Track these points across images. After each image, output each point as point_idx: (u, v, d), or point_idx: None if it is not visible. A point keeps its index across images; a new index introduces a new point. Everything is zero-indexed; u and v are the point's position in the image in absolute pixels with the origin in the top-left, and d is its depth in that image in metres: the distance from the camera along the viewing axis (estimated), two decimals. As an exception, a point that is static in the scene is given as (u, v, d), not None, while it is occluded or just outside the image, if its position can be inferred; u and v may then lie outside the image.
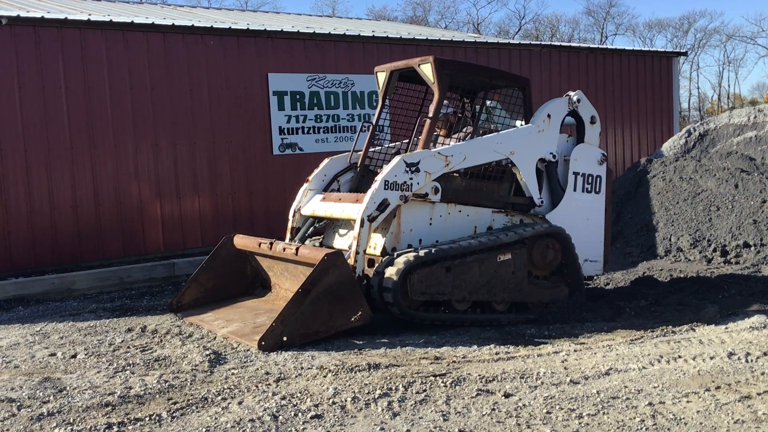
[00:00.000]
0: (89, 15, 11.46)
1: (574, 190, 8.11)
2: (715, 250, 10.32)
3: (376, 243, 7.24)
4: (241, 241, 8.04)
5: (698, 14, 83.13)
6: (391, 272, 6.67)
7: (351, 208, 7.38)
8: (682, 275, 9.43)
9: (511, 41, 17.47)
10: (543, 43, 17.51)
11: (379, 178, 7.13)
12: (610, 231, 8.64)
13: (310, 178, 8.28)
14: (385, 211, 7.06)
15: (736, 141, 13.73)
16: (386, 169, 7.19)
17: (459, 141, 8.12)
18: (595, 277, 9.21)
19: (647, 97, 17.61)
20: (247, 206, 12.20)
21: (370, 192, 7.10)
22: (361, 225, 6.97)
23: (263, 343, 6.20)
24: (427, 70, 7.60)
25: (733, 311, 7.46)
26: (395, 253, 6.96)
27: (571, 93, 8.23)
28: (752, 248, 10.17)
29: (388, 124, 10.62)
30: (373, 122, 8.49)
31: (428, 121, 7.52)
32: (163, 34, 11.38)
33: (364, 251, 6.99)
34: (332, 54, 13.07)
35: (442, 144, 7.88)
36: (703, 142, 14.24)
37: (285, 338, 6.25)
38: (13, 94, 10.22)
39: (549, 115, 8.00)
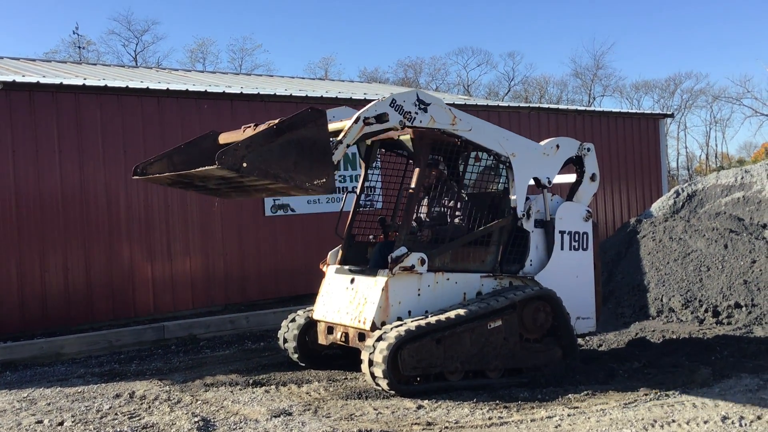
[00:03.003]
0: (84, 79, 11.64)
1: (562, 248, 8.13)
2: (706, 311, 10.31)
3: (366, 317, 7.17)
4: (227, 136, 7.67)
5: (684, 76, 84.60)
6: (380, 348, 6.61)
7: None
8: (674, 336, 9.40)
9: (501, 103, 17.77)
10: (531, 105, 17.82)
11: (387, 94, 7.01)
12: (601, 286, 8.65)
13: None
14: (382, 124, 6.85)
15: (724, 201, 13.87)
16: (399, 90, 7.07)
17: (437, 206, 8.13)
18: (588, 337, 9.18)
19: (635, 158, 17.84)
20: (239, 267, 12.16)
21: (375, 100, 6.94)
22: (355, 122, 6.73)
23: (223, 158, 5.75)
24: (407, 141, 7.67)
25: (726, 373, 7.42)
26: (384, 328, 6.89)
27: (586, 143, 8.51)
28: (743, 308, 10.17)
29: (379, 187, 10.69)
30: (357, 190, 8.36)
31: (411, 194, 7.44)
32: (157, 98, 11.54)
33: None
34: (324, 117, 13.21)
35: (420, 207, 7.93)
36: (691, 202, 14.38)
37: (245, 164, 5.84)
38: (7, 158, 10.28)
39: (558, 146, 8.19)
